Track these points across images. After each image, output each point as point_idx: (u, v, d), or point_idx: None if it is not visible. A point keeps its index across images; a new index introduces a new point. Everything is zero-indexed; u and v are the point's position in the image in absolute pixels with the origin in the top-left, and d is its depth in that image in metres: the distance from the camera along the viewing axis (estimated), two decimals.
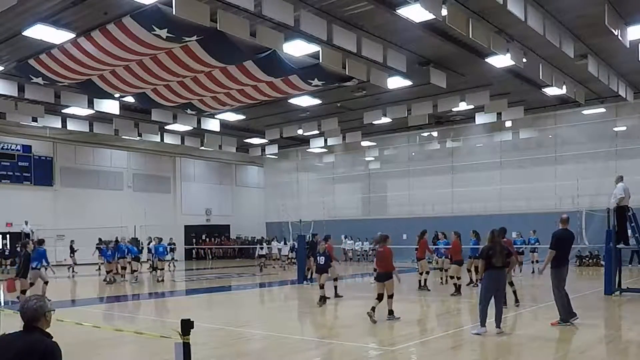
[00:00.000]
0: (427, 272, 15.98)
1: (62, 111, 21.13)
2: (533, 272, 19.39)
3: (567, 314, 9.51)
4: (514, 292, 12.07)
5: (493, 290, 8.95)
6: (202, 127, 23.38)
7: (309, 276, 19.22)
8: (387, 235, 10.87)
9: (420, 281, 15.78)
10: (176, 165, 35.61)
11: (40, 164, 29.13)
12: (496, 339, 8.79)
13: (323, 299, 12.99)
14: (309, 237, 22.33)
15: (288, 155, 35.55)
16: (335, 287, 14.38)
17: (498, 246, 9.01)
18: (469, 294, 14.37)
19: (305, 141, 29.55)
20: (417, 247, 16.68)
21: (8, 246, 26.91)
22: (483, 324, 8.91)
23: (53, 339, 3.60)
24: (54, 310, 3.76)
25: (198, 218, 35.88)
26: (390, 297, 10.30)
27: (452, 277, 14.98)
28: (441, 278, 17.67)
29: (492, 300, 9.02)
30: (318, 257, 13.56)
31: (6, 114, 20.19)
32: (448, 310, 12.40)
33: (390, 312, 10.31)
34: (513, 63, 15.46)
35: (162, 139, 25.55)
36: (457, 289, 14.25)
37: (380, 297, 10.29)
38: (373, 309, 10.16)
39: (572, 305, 9.57)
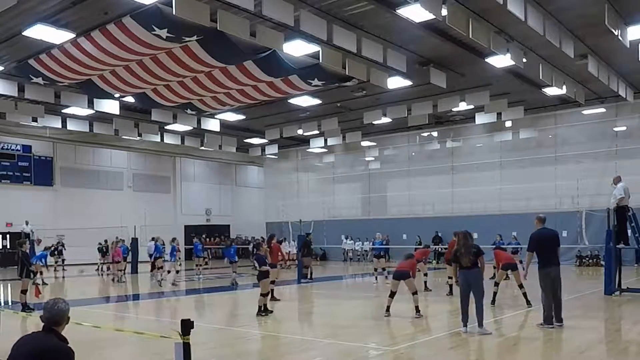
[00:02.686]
0: (425, 274, 15.96)
1: (62, 111, 21.13)
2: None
3: (545, 317, 9.36)
4: (524, 294, 12.07)
5: (466, 289, 9.19)
6: (202, 127, 23.38)
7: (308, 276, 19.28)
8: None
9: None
10: (176, 165, 35.61)
11: (40, 164, 29.13)
12: (495, 339, 8.80)
13: (264, 309, 11.51)
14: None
15: (288, 155, 35.54)
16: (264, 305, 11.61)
17: (464, 247, 9.15)
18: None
19: (305, 141, 29.54)
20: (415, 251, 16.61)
21: (8, 246, 26.98)
22: (464, 324, 9.10)
23: (68, 344, 3.71)
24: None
25: (198, 218, 35.86)
26: (415, 293, 10.85)
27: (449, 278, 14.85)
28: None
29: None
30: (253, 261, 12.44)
31: (6, 114, 20.17)
32: (448, 310, 12.40)
33: (417, 309, 10.78)
34: (513, 63, 15.45)
35: (162, 139, 25.54)
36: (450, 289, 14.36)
37: (392, 295, 10.95)
38: (388, 308, 10.89)
39: (559, 312, 9.34)
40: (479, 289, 9.15)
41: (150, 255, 24.07)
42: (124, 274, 21.34)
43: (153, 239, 23.54)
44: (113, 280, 20.54)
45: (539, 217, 9.76)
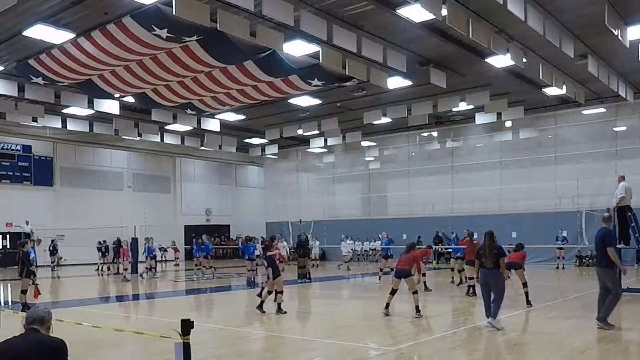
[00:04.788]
0: (424, 274, 15.91)
1: (62, 111, 21.13)
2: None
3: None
4: (526, 294, 12.07)
5: (485, 288, 9.48)
6: (202, 127, 23.38)
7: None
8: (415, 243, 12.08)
9: None
10: (176, 165, 35.60)
11: (40, 164, 29.13)
12: (496, 339, 8.80)
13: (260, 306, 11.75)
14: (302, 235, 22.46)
15: (288, 155, 35.53)
16: (279, 304, 11.81)
17: (488, 248, 9.42)
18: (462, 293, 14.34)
19: (305, 141, 29.54)
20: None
21: (8, 246, 27.01)
22: (487, 316, 9.42)
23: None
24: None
25: (198, 218, 35.86)
26: (415, 293, 10.91)
27: (470, 278, 14.59)
28: (452, 277, 17.53)
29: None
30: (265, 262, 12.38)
31: (6, 114, 20.19)
32: (448, 310, 12.40)
33: (417, 309, 10.80)
34: (513, 63, 15.44)
35: (162, 139, 25.54)
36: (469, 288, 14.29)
37: (393, 293, 11.01)
38: (387, 305, 10.91)
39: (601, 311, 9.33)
40: (499, 288, 9.43)
41: (154, 256, 24.15)
42: (155, 273, 22.17)
43: (147, 239, 23.69)
44: (124, 279, 20.48)
45: (604, 217, 9.75)
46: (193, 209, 35.75)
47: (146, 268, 21.96)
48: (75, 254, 25.69)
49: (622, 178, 13.80)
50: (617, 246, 13.79)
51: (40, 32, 13.40)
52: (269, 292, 11.92)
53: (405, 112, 21.23)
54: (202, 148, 29.13)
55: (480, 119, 22.15)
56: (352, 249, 30.42)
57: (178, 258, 30.79)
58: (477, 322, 9.26)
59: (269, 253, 12.32)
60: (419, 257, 11.64)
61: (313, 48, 13.97)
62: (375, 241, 28.75)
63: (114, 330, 8.08)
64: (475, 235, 15.11)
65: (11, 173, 27.97)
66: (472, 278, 14.19)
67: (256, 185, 39.66)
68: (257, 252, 19.39)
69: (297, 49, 14.14)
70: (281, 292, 11.84)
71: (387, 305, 10.98)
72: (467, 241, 15.10)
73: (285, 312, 11.61)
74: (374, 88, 18.27)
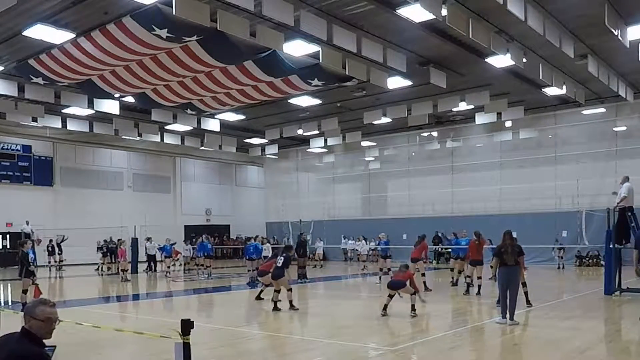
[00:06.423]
0: (423, 274, 15.86)
1: (62, 111, 21.12)
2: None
3: None
4: (526, 294, 12.07)
5: (505, 285, 9.75)
6: (202, 127, 23.38)
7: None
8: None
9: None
10: (176, 165, 35.59)
11: (40, 164, 29.12)
12: (496, 338, 8.80)
13: (276, 304, 11.95)
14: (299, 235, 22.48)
15: (288, 155, 35.53)
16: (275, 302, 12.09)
17: (510, 246, 9.73)
18: (459, 293, 14.35)
19: (305, 141, 29.53)
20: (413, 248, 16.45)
21: (8, 246, 27.02)
22: (503, 315, 9.70)
23: (44, 348, 3.44)
24: (55, 318, 3.50)
25: (198, 218, 35.85)
26: (414, 294, 10.99)
27: (478, 277, 14.50)
28: (452, 278, 17.51)
29: None
30: (277, 259, 12.40)
31: (6, 114, 20.18)
32: (448, 310, 12.41)
33: (412, 308, 10.88)
34: (513, 63, 15.44)
35: (162, 139, 25.52)
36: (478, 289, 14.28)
37: (392, 296, 11.05)
38: (385, 307, 10.95)
39: None
40: (516, 285, 9.82)
41: (153, 256, 24.12)
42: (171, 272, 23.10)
43: (147, 238, 23.72)
44: (124, 279, 20.42)
45: None
46: (193, 209, 35.74)
47: (168, 267, 23.28)
48: (75, 254, 25.66)
49: (627, 179, 13.82)
50: (618, 246, 13.83)
51: (40, 32, 13.40)
52: (289, 290, 12.11)
53: (405, 112, 21.22)
54: (202, 148, 29.11)
55: (480, 119, 22.13)
56: (370, 249, 29.93)
57: (178, 260, 30.75)
58: (477, 322, 9.26)
59: (288, 253, 12.47)
60: (412, 275, 11.58)
61: (313, 48, 13.96)
62: (372, 242, 28.56)
63: (114, 330, 8.08)
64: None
65: (11, 173, 27.95)
66: (480, 277, 14.34)
67: (256, 185, 39.66)
68: (264, 253, 19.38)
69: (297, 49, 14.13)
70: (279, 292, 11.93)
71: (385, 306, 11.04)
72: (472, 242, 15.07)
73: (280, 309, 11.74)
74: (374, 88, 18.27)
